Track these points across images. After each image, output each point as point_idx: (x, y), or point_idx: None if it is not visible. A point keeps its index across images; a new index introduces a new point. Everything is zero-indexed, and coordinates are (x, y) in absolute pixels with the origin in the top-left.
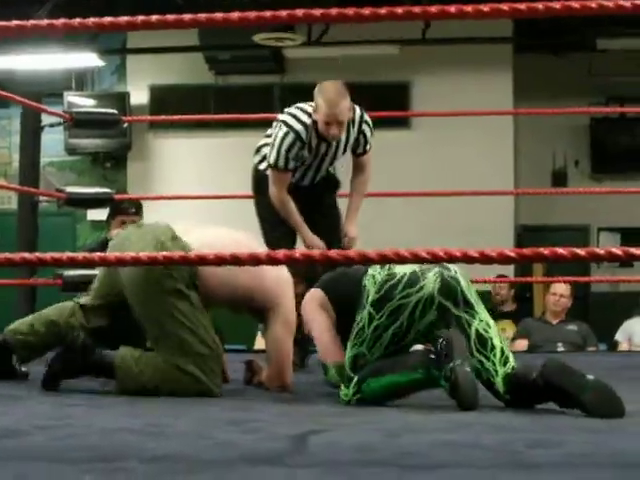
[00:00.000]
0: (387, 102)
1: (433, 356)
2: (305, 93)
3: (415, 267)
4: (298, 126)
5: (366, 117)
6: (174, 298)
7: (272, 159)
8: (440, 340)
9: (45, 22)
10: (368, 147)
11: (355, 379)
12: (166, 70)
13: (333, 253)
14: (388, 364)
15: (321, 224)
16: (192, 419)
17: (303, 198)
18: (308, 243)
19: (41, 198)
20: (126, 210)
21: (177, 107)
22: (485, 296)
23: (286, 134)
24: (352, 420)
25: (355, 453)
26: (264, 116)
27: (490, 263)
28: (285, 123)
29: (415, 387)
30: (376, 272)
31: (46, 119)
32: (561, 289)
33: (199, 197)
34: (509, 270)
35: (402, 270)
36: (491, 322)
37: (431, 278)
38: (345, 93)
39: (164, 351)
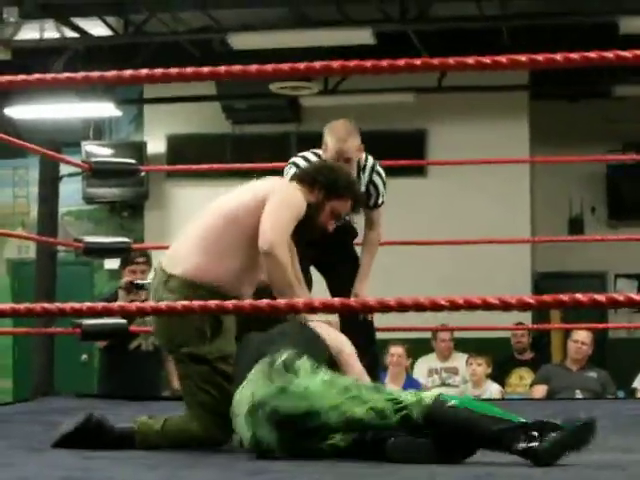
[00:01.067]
0: (403, 150)
1: None
2: (322, 142)
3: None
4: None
5: (378, 168)
6: (194, 364)
7: None
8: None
9: (65, 75)
10: (380, 201)
11: None
12: (183, 119)
13: (353, 301)
14: None
15: (338, 271)
16: (211, 470)
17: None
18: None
19: (59, 247)
20: (135, 260)
21: (194, 156)
22: (504, 343)
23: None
24: (374, 471)
25: None
26: (281, 165)
27: (509, 310)
28: (294, 163)
29: None
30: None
31: (65, 169)
32: (583, 336)
33: None
34: (527, 317)
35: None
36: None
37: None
38: (354, 132)
39: (188, 414)
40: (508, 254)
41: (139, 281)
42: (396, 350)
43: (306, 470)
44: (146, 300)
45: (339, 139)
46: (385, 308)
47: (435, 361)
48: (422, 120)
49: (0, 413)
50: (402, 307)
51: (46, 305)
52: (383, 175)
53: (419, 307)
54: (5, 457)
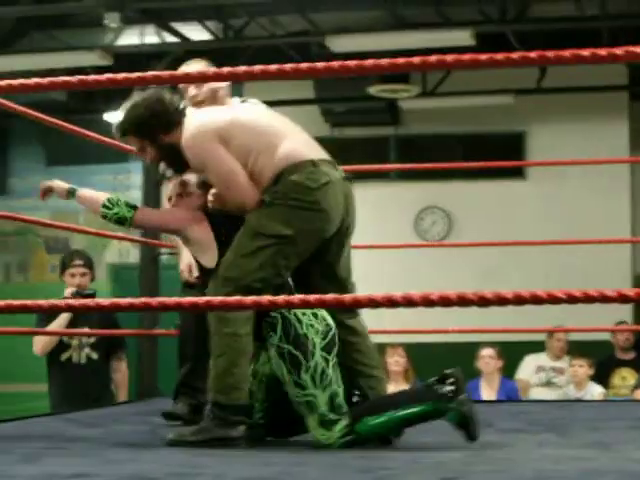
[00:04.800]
0: (502, 152)
1: (440, 391)
2: (420, 144)
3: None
4: None
5: None
6: None
7: None
8: (450, 377)
9: (167, 73)
10: None
11: (344, 421)
12: None
13: (453, 295)
14: (386, 401)
15: None
16: (322, 466)
17: None
18: None
19: (162, 250)
20: (73, 263)
21: None
22: (604, 345)
23: None
24: (482, 468)
25: None
26: (380, 167)
27: (610, 302)
28: None
29: (420, 419)
30: (313, 322)
31: None
32: None
33: None
34: (628, 318)
35: (329, 320)
36: None
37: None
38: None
39: None
40: (608, 256)
41: (85, 291)
42: (486, 352)
43: (415, 468)
44: None
45: None
46: (483, 302)
47: (545, 360)
48: (521, 122)
49: (108, 413)
50: (501, 300)
51: (148, 300)
52: None
53: (520, 300)
54: (116, 454)
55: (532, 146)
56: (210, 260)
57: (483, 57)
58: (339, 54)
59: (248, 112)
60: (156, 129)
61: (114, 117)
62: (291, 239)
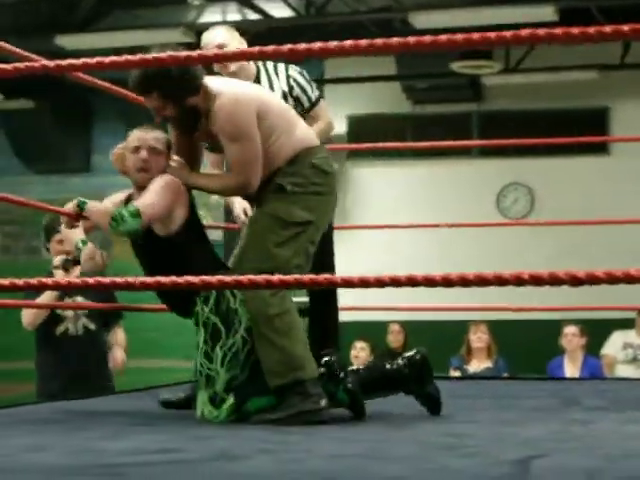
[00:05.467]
0: (585, 128)
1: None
2: (503, 121)
3: None
4: None
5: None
6: None
7: None
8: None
9: (272, 48)
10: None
11: (231, 401)
12: (363, 99)
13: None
14: None
15: None
16: (407, 444)
17: None
18: None
19: None
20: (58, 229)
21: (375, 136)
22: None
23: None
24: (570, 445)
25: (583, 478)
26: (462, 143)
27: None
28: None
29: None
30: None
31: None
32: None
33: (392, 226)
34: None
35: None
36: None
37: None
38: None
39: None
40: None
41: (71, 257)
42: (570, 329)
43: (500, 445)
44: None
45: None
46: (595, 280)
47: (633, 337)
48: (604, 97)
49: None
50: (593, 279)
51: (239, 277)
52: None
53: (613, 279)
54: (201, 431)
55: (616, 122)
56: (165, 230)
57: (575, 31)
58: (422, 30)
59: (265, 90)
60: (184, 90)
61: None
62: (314, 224)
